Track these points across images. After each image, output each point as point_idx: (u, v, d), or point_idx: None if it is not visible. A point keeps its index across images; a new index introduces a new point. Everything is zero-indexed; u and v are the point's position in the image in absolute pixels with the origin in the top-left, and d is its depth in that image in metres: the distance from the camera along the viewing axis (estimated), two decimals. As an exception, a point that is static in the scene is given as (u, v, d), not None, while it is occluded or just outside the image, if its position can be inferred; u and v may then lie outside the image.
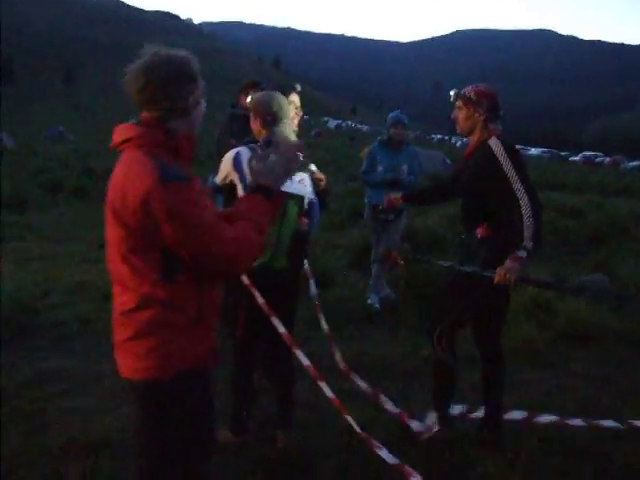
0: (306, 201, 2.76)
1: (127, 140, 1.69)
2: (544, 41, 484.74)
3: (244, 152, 2.72)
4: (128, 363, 1.71)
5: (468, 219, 3.10)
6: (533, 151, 67.20)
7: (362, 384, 3.46)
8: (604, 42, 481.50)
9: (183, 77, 1.70)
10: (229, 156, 2.76)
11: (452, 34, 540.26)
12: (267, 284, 2.73)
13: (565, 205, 13.34)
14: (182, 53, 1.72)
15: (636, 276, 6.77)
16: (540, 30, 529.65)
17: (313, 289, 3.34)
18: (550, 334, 4.65)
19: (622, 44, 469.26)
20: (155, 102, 1.68)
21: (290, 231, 2.71)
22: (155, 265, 1.65)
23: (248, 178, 2.58)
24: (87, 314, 4.87)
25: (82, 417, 3.23)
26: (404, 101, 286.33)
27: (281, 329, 2.75)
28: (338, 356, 3.52)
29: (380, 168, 5.41)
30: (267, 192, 1.76)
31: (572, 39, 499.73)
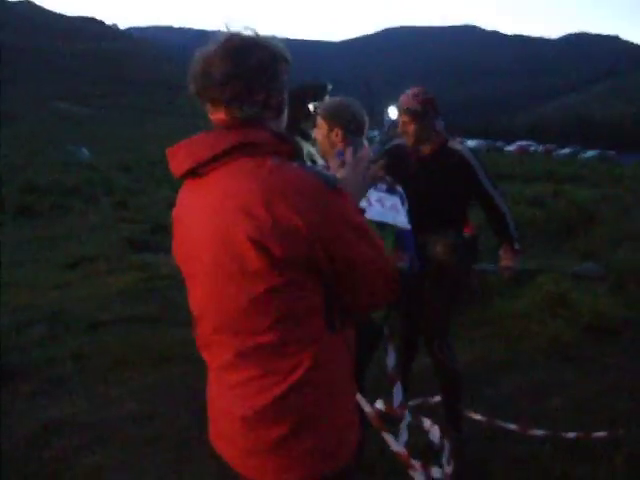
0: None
1: (230, 150, 1.22)
2: (469, 36, 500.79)
3: None
4: (289, 464, 1.26)
5: (437, 222, 2.99)
6: (470, 143, 69.09)
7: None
8: (525, 36, 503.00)
9: (280, 62, 1.30)
10: None
11: (382, 32, 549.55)
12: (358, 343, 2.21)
13: (526, 195, 13.56)
14: (268, 35, 1.33)
15: (627, 261, 6.80)
16: (465, 26, 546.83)
17: (391, 360, 2.46)
18: (576, 329, 4.51)
19: (542, 38, 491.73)
20: (247, 95, 1.25)
21: None
22: (318, 313, 1.25)
23: None
24: (78, 349, 4.32)
25: (112, 476, 2.77)
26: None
27: (366, 408, 2.33)
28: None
29: None
30: None
31: (495, 34, 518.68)
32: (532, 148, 62.11)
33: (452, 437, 3.02)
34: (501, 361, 4.12)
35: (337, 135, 2.28)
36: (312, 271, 1.22)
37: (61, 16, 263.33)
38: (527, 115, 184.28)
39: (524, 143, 67.24)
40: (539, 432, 3.07)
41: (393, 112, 3.11)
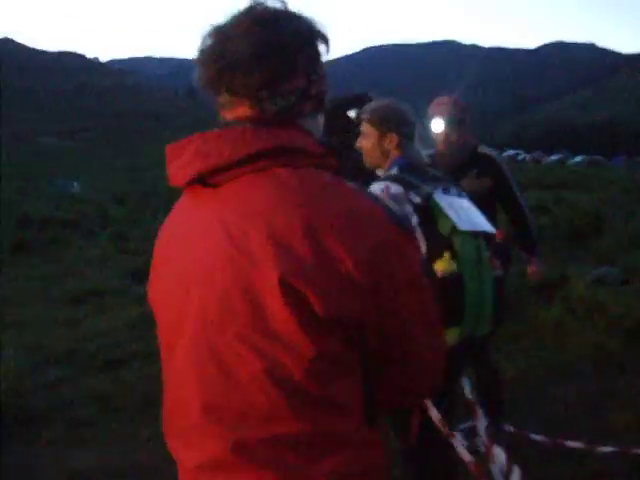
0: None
1: (261, 155, 0.88)
2: (449, 51, 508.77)
3: (396, 189, 1.84)
4: None
5: None
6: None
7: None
8: (504, 48, 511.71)
9: (319, 39, 0.98)
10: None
11: (363, 51, 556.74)
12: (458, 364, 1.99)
13: (528, 203, 13.44)
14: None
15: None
16: (445, 41, 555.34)
17: (466, 384, 2.29)
18: (619, 335, 4.34)
19: (519, 49, 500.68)
20: (282, 80, 0.92)
21: (491, 280, 1.93)
22: (354, 402, 0.91)
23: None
24: (97, 389, 4.08)
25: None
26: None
27: (466, 457, 2.09)
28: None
29: None
30: None
31: (474, 47, 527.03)
32: (520, 156, 62.72)
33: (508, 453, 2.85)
34: (547, 373, 3.94)
35: (391, 141, 2.05)
36: (351, 343, 0.88)
37: (43, 52, 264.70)
38: (510, 124, 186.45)
39: (512, 152, 67.86)
40: (607, 449, 2.88)
41: (439, 124, 2.97)
